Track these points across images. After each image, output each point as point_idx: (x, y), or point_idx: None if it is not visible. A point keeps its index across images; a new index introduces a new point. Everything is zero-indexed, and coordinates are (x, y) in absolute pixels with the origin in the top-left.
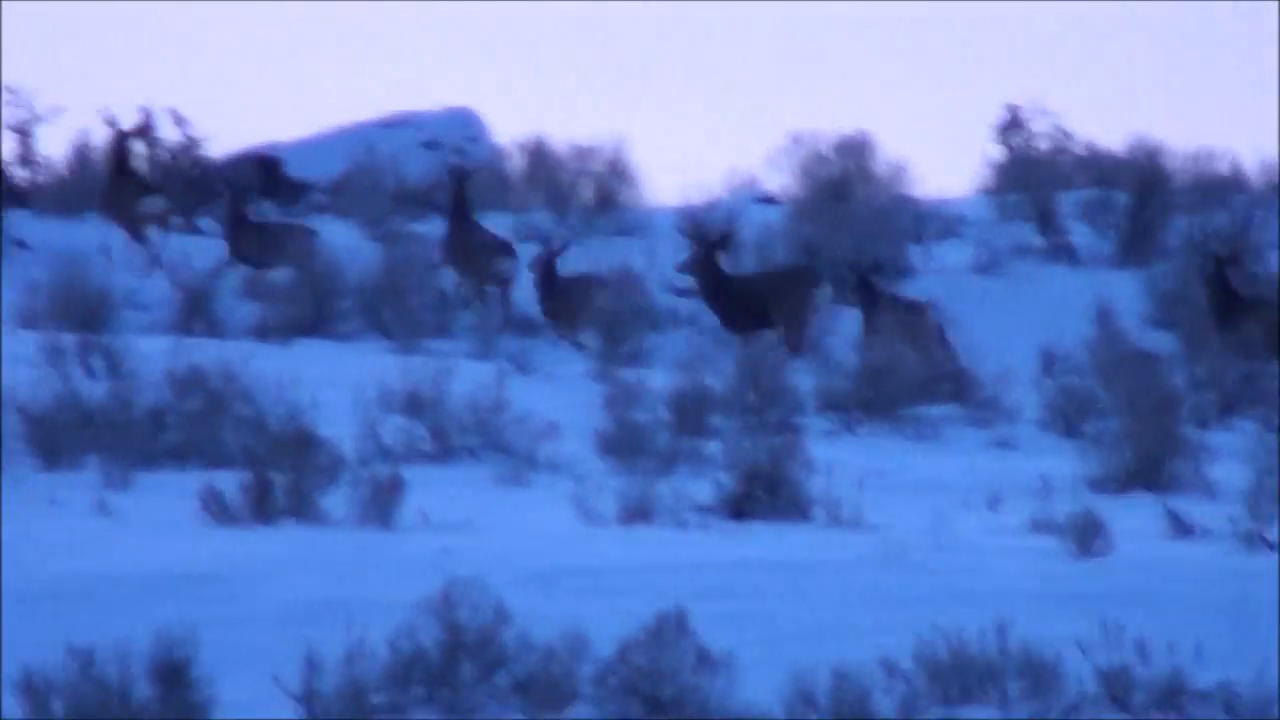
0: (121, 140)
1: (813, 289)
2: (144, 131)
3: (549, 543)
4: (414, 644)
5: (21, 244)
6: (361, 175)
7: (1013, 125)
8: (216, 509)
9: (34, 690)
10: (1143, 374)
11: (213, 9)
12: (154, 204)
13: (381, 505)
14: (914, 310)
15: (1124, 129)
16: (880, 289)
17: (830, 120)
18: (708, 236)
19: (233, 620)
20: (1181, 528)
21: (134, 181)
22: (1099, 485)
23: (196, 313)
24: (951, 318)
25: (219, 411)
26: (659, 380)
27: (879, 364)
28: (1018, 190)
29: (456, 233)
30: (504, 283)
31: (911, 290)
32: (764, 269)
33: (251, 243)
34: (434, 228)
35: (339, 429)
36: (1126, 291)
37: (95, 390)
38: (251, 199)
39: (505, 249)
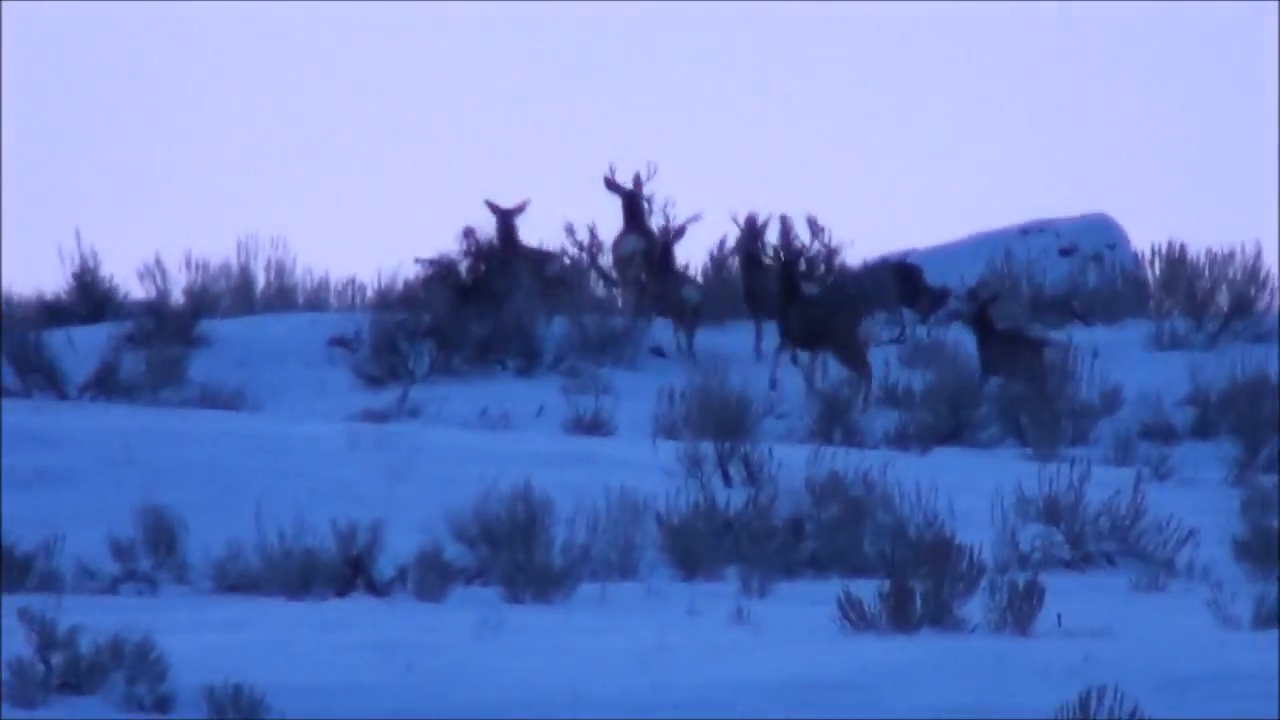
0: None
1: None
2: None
3: (1186, 648)
4: None
5: (660, 352)
6: (999, 282)
7: None
8: (855, 617)
9: None
10: None
11: (836, 116)
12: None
13: (1020, 612)
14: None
15: None
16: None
17: None
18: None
19: None
20: None
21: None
22: None
23: (835, 420)
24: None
25: (858, 519)
26: None
27: None
28: None
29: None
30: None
31: None
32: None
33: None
34: (1072, 334)
35: (977, 536)
36: None
37: (734, 499)
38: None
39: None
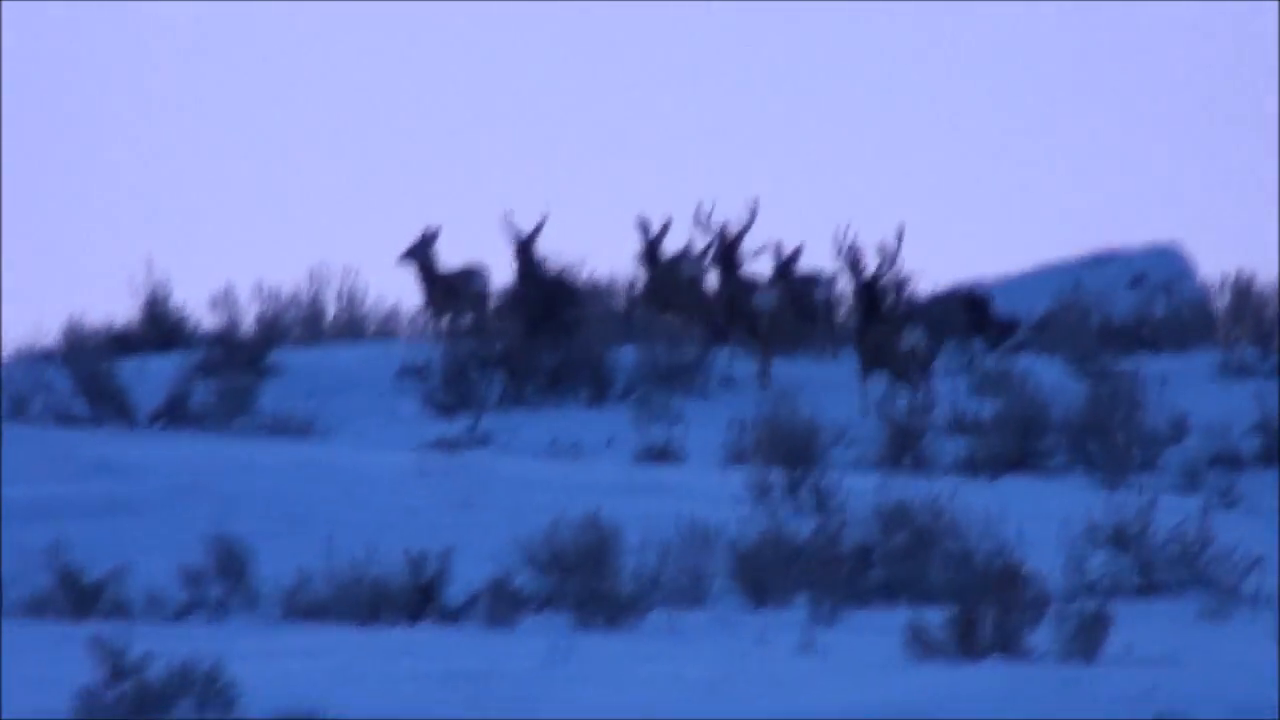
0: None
1: None
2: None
3: (1253, 678)
4: None
5: (729, 380)
6: (1067, 312)
7: None
8: (922, 645)
9: None
10: None
11: (909, 147)
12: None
13: (1087, 640)
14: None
15: None
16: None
17: None
18: None
19: None
20: None
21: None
22: None
23: (905, 448)
24: None
25: (926, 547)
26: None
27: None
28: None
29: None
30: None
31: None
32: None
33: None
34: (1141, 364)
35: (1045, 564)
36: None
37: (802, 527)
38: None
39: None
